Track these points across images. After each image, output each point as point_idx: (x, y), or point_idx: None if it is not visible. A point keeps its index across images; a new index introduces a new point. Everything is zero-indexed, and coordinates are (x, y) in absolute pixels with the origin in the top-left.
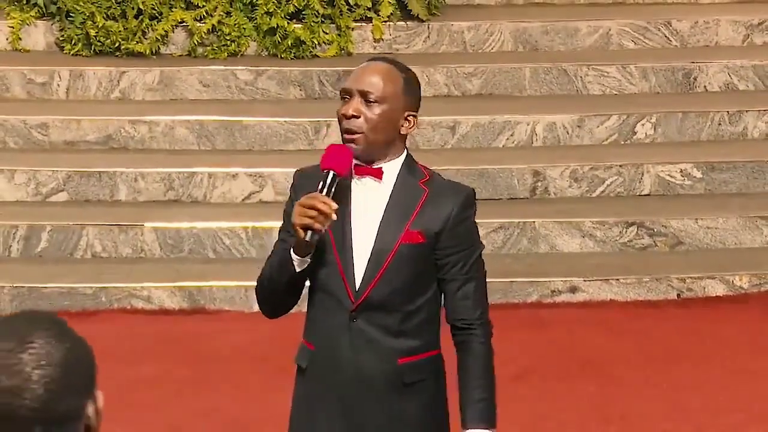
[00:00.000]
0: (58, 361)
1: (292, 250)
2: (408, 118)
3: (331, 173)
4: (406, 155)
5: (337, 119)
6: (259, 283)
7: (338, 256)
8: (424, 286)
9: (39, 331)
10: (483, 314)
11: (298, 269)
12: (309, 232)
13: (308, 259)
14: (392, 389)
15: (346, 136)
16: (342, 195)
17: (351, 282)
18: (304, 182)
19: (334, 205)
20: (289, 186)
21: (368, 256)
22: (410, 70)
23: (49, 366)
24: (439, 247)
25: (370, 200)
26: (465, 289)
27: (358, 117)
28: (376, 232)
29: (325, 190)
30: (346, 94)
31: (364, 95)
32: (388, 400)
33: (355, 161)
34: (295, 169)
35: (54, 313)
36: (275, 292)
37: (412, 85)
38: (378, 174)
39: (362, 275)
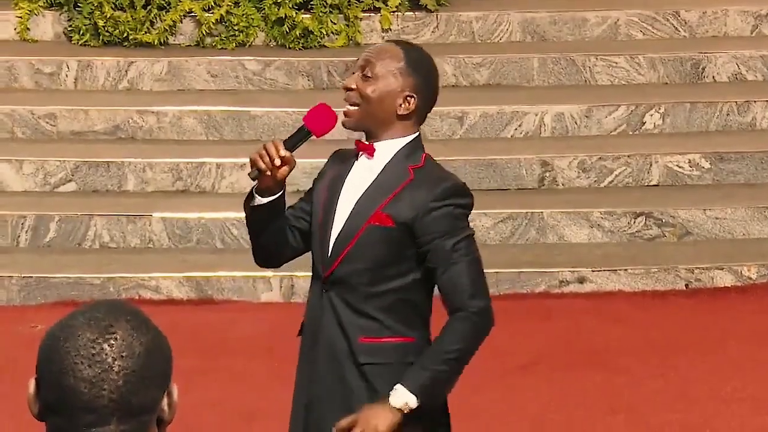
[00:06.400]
0: (139, 353)
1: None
2: (407, 98)
3: (305, 129)
4: (412, 140)
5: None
6: None
7: (321, 227)
8: (395, 271)
9: (121, 322)
10: (473, 300)
11: (252, 203)
12: (255, 170)
13: (263, 200)
14: (350, 367)
15: (344, 109)
16: (344, 167)
17: (326, 254)
18: (330, 163)
19: (283, 153)
20: None
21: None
22: (422, 54)
23: (130, 357)
24: (417, 236)
25: (360, 177)
26: (448, 276)
27: (354, 90)
28: (351, 210)
29: (291, 140)
30: (353, 69)
31: (362, 69)
32: (344, 378)
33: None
34: (304, 159)
35: (133, 304)
36: (250, 233)
37: (417, 66)
38: (370, 151)
39: (331, 249)
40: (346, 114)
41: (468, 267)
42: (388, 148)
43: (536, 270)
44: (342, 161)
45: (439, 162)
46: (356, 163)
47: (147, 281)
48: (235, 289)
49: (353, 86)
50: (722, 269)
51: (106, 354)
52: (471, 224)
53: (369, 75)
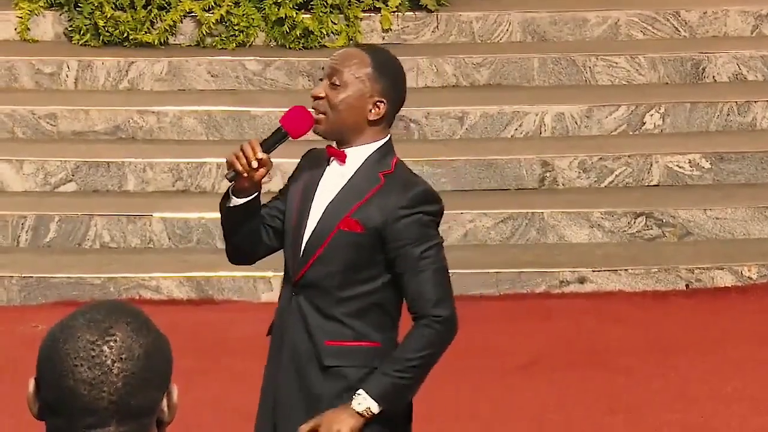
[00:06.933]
0: (139, 355)
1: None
2: (377, 104)
3: (282, 130)
4: (383, 145)
5: None
6: None
7: (294, 230)
8: (365, 276)
9: (121, 324)
10: (437, 308)
11: (227, 203)
12: (231, 172)
13: (239, 201)
14: (315, 370)
15: (314, 115)
16: (317, 171)
17: (298, 256)
18: (304, 163)
19: (260, 156)
20: None
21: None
22: (388, 57)
23: (129, 360)
24: (386, 242)
25: (332, 182)
26: (415, 283)
27: (322, 98)
28: (321, 214)
29: (268, 141)
30: (322, 76)
31: (330, 78)
32: (309, 380)
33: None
34: (292, 160)
35: (133, 304)
36: (225, 233)
37: (384, 70)
38: (341, 157)
39: (302, 251)
40: (316, 121)
41: (434, 275)
42: (359, 154)
43: (536, 270)
44: (316, 163)
45: (439, 162)
46: (328, 167)
47: (147, 281)
48: (235, 289)
49: (322, 95)
50: (722, 269)
51: (106, 356)
52: (471, 225)
53: (337, 83)
